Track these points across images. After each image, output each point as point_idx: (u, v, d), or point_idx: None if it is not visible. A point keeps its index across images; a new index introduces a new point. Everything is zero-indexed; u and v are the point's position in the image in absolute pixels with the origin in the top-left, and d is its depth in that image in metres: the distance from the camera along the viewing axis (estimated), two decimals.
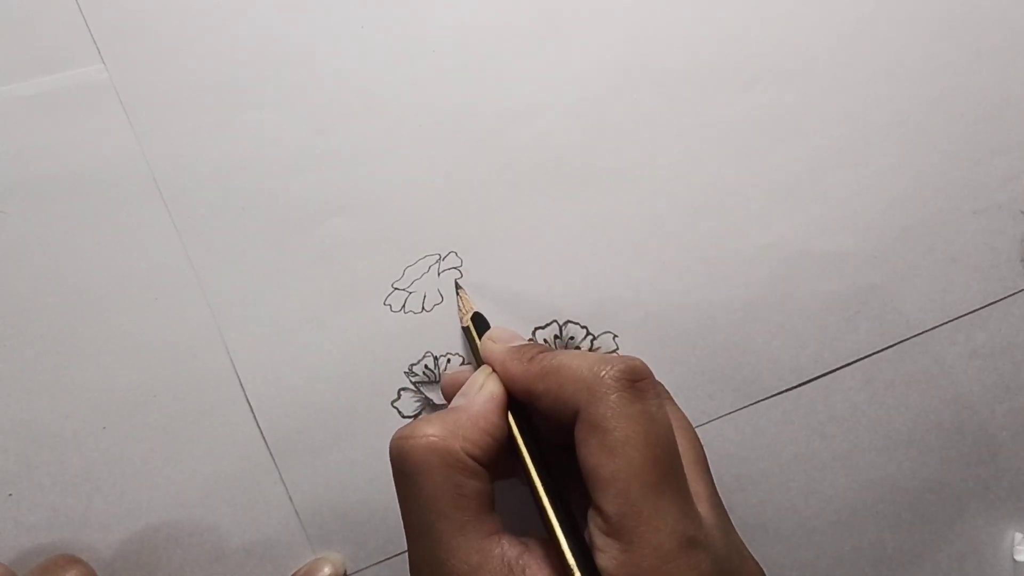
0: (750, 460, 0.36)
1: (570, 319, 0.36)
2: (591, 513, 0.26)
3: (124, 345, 0.34)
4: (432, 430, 0.27)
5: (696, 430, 0.31)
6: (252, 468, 0.34)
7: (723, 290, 0.36)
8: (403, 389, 0.35)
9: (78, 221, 0.33)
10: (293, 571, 0.34)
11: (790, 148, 0.36)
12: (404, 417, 0.35)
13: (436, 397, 0.35)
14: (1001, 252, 0.37)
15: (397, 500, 0.27)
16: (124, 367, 0.34)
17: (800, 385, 0.36)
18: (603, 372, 0.26)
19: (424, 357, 0.35)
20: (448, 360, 0.35)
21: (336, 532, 0.35)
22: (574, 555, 0.25)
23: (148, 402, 0.34)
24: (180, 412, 0.34)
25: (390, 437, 0.27)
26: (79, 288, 0.33)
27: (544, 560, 0.26)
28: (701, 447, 0.30)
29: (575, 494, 0.28)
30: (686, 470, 0.27)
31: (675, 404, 0.32)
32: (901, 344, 0.36)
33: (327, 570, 0.34)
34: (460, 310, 0.34)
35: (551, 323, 0.35)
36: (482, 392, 0.29)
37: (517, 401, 0.29)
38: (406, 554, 0.28)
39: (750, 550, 0.28)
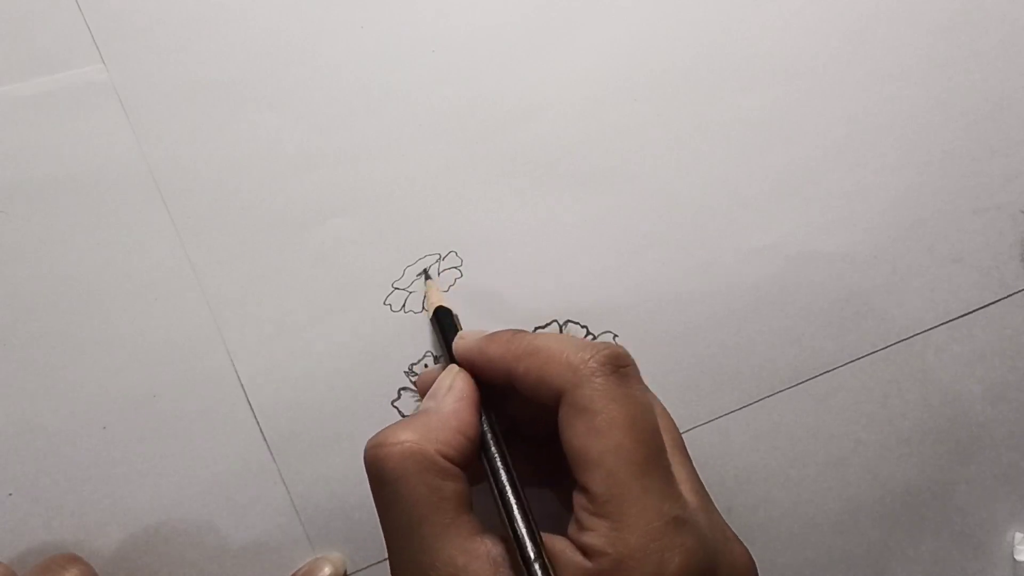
0: (750, 460, 0.36)
1: (570, 319, 0.36)
2: (576, 494, 0.26)
3: (124, 345, 0.34)
4: (405, 435, 0.27)
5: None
6: (252, 468, 0.34)
7: (723, 290, 0.36)
8: (403, 389, 0.35)
9: (78, 221, 0.33)
10: (293, 571, 0.34)
11: (790, 148, 0.36)
12: (404, 417, 0.35)
13: None
14: (1001, 252, 0.37)
15: (376, 509, 0.27)
16: (124, 367, 0.34)
17: (800, 384, 0.36)
18: (588, 356, 0.27)
19: (424, 357, 0.35)
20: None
21: (336, 532, 0.35)
22: (533, 544, 0.25)
23: (148, 402, 0.34)
24: (180, 412, 0.34)
25: None
26: (79, 288, 0.33)
27: None
28: (679, 434, 0.30)
29: (555, 484, 0.28)
30: (668, 455, 0.27)
31: (653, 394, 0.32)
32: (901, 344, 0.36)
33: (327, 570, 0.34)
34: (425, 300, 0.34)
35: (551, 323, 0.35)
36: (452, 392, 0.29)
37: (489, 397, 0.29)
38: None
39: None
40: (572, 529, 0.26)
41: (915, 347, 0.36)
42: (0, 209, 0.33)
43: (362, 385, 0.35)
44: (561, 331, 0.35)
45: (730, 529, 0.29)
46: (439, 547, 0.26)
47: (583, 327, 0.36)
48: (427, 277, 0.35)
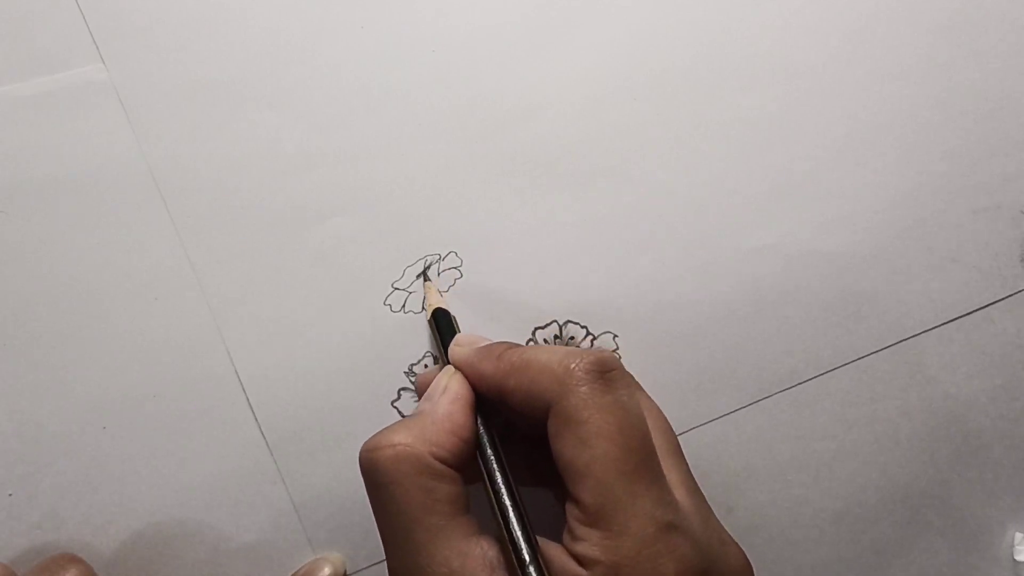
0: (750, 460, 0.36)
1: (570, 319, 0.36)
2: (569, 505, 0.26)
3: (124, 345, 0.34)
4: (399, 438, 0.27)
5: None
6: (252, 468, 0.34)
7: (723, 290, 0.36)
8: (403, 389, 0.35)
9: (78, 221, 0.33)
10: (293, 571, 0.34)
11: (790, 148, 0.36)
12: (402, 418, 0.35)
13: None
14: (1001, 252, 0.37)
15: (372, 512, 0.27)
16: (124, 367, 0.34)
17: (800, 384, 0.36)
18: (573, 365, 0.27)
19: (424, 357, 0.35)
20: None
21: (336, 532, 0.35)
22: (528, 546, 0.25)
23: (148, 402, 0.34)
24: (180, 412, 0.34)
25: None
26: (79, 288, 0.33)
27: None
28: (674, 435, 0.30)
29: (553, 485, 0.28)
30: (660, 458, 0.27)
31: (646, 394, 0.32)
32: (901, 344, 0.36)
33: (327, 570, 0.34)
34: (424, 301, 0.34)
35: (551, 323, 0.35)
36: (446, 393, 0.29)
37: (485, 400, 0.29)
38: None
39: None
40: (566, 539, 0.26)
41: (915, 347, 0.36)
42: (0, 209, 0.33)
43: (362, 385, 0.35)
44: (561, 331, 0.35)
45: (727, 532, 0.29)
46: (434, 549, 0.26)
47: (583, 327, 0.36)
48: (426, 279, 0.35)
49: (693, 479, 0.29)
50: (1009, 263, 0.37)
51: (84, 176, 0.33)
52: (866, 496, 0.36)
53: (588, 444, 0.25)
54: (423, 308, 0.35)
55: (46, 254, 0.33)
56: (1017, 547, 0.37)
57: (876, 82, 0.36)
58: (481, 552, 0.26)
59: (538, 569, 0.25)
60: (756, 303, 0.36)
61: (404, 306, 0.35)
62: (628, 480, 0.25)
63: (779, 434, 0.36)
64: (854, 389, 0.36)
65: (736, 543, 0.29)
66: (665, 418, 0.31)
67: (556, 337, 0.35)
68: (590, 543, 0.25)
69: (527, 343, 0.35)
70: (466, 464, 0.28)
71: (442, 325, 0.33)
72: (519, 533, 0.26)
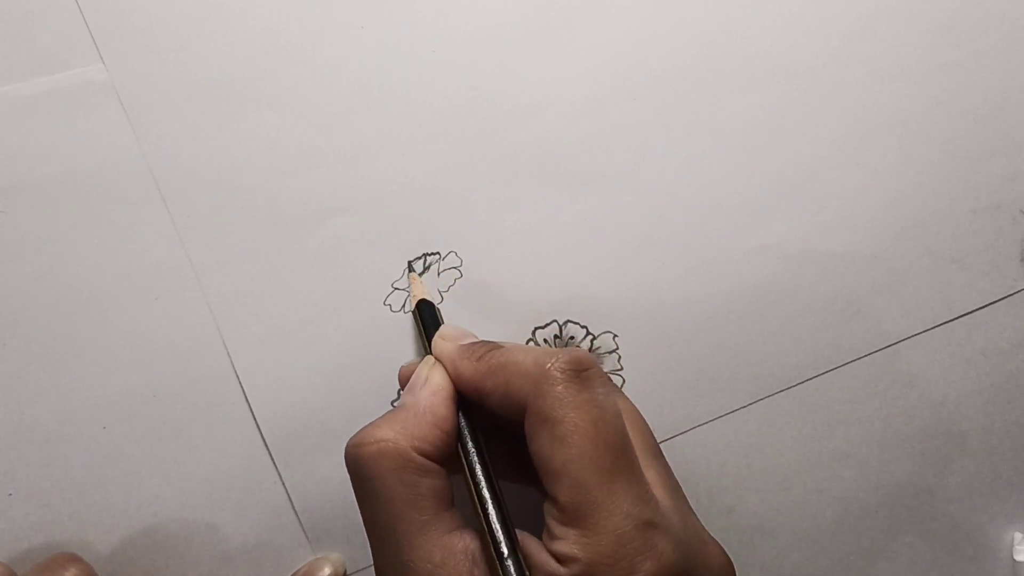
0: (750, 460, 0.36)
1: (570, 319, 0.36)
2: (547, 505, 0.26)
3: (124, 345, 0.34)
4: (381, 433, 0.27)
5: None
6: (252, 468, 0.34)
7: (723, 290, 0.36)
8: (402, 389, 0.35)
9: (78, 221, 0.33)
10: (293, 571, 0.34)
11: (790, 148, 0.36)
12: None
13: None
14: (1001, 252, 0.37)
15: (358, 507, 0.27)
16: (124, 367, 0.34)
17: (799, 384, 0.36)
18: (548, 365, 0.27)
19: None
20: None
21: (336, 532, 0.35)
22: (507, 539, 0.25)
23: (148, 402, 0.34)
24: (180, 412, 0.34)
25: None
26: (79, 288, 0.33)
27: None
28: (652, 436, 0.30)
29: (536, 481, 0.28)
30: (638, 457, 0.27)
31: (624, 395, 0.32)
32: (901, 344, 0.36)
33: (327, 570, 0.34)
34: (409, 294, 0.34)
35: (551, 323, 0.35)
36: (427, 385, 0.29)
37: (467, 396, 0.29)
38: None
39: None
40: (544, 537, 0.26)
41: (915, 347, 0.36)
42: (0, 209, 0.33)
43: (362, 385, 0.35)
44: (561, 331, 0.35)
45: (707, 532, 0.28)
46: (417, 543, 0.26)
47: (583, 327, 0.36)
48: (411, 270, 0.35)
49: (673, 478, 0.29)
50: (1009, 263, 0.37)
51: (84, 176, 0.33)
52: (866, 496, 0.36)
53: (564, 442, 0.25)
54: (406, 300, 0.34)
55: (46, 254, 0.33)
56: (1017, 547, 0.37)
57: (876, 82, 0.36)
58: (464, 546, 0.26)
59: (516, 561, 0.25)
60: (756, 303, 0.36)
61: (404, 306, 0.35)
62: (605, 477, 0.25)
63: (779, 434, 0.36)
64: (854, 389, 0.36)
65: (717, 543, 0.29)
66: (643, 418, 0.31)
67: (556, 337, 0.35)
68: (568, 541, 0.25)
69: (527, 343, 0.35)
70: (450, 456, 0.28)
71: (425, 317, 0.33)
72: (497, 525, 0.26)
